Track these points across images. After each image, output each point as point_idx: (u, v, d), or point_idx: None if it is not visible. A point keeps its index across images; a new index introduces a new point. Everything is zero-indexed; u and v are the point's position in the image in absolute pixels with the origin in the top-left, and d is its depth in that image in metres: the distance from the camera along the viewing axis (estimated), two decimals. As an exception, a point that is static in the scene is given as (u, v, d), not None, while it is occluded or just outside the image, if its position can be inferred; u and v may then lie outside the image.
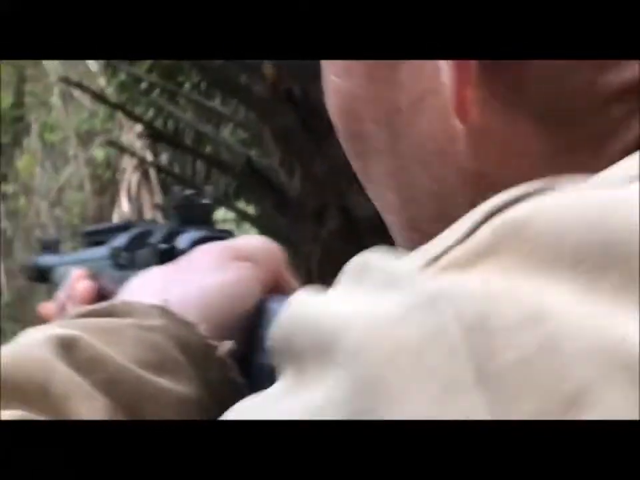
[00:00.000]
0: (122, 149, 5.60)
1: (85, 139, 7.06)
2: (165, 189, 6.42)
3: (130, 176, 6.58)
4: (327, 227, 3.35)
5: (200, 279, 0.62)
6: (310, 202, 3.38)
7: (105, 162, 7.01)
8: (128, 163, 6.64)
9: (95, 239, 0.87)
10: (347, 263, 0.36)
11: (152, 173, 6.51)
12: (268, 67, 3.25)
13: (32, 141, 7.37)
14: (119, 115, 6.17)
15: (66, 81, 5.03)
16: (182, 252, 0.68)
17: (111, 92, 5.74)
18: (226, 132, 4.69)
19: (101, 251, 0.82)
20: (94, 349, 0.54)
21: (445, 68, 0.41)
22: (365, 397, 0.30)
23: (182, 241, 0.70)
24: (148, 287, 0.63)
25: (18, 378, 0.51)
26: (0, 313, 7.25)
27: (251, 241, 0.67)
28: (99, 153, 6.98)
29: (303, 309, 0.35)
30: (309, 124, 3.30)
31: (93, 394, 0.52)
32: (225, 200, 4.32)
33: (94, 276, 0.80)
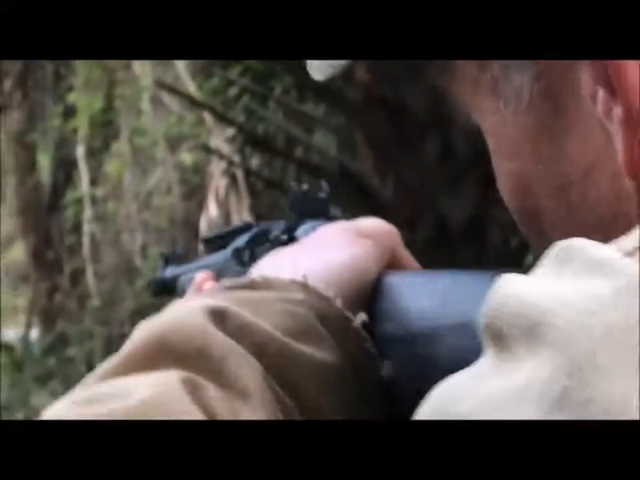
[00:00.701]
0: (213, 152, 5.62)
1: (174, 143, 7.09)
2: (253, 194, 6.42)
3: (218, 181, 6.58)
4: (419, 234, 3.34)
5: (328, 255, 0.66)
6: (403, 208, 3.37)
7: (193, 167, 7.03)
8: (216, 167, 6.65)
9: (215, 244, 0.89)
10: (550, 248, 0.39)
11: (240, 178, 6.51)
12: (361, 71, 3.23)
13: (121, 145, 7.43)
14: (208, 120, 6.18)
15: (159, 84, 5.06)
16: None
17: (201, 96, 5.76)
18: (318, 136, 4.65)
19: (224, 254, 0.84)
20: (243, 317, 0.58)
21: (614, 133, 0.42)
22: (578, 374, 0.32)
23: (300, 231, 0.74)
24: (278, 264, 0.67)
25: (179, 342, 0.55)
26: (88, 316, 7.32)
27: (370, 221, 0.70)
28: (187, 157, 7.00)
29: (511, 289, 0.37)
30: (402, 129, 3.28)
31: (248, 357, 0.55)
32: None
33: (218, 278, 0.82)
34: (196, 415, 0.50)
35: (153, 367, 0.54)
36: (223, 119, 4.52)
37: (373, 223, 0.70)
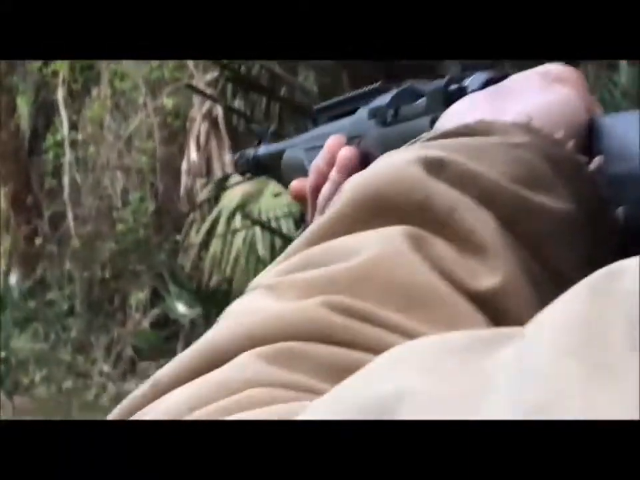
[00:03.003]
0: (197, 91, 5.59)
1: (155, 87, 7.06)
2: (234, 138, 6.41)
3: (199, 125, 6.57)
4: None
5: (539, 97, 0.59)
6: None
7: (174, 110, 7.01)
8: (197, 112, 6.63)
9: (327, 114, 0.85)
10: None
11: (221, 121, 6.49)
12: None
13: (102, 89, 7.39)
14: (190, 63, 6.16)
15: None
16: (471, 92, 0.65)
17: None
18: (301, 77, 4.64)
19: (354, 118, 0.78)
20: (463, 166, 0.51)
21: None
22: None
23: (472, 82, 0.65)
24: (475, 110, 0.60)
25: (396, 196, 0.49)
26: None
27: (560, 67, 0.63)
28: (168, 101, 6.97)
29: None
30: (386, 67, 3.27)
31: (475, 206, 0.50)
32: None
33: (349, 143, 0.77)
34: (427, 274, 0.45)
35: (370, 225, 0.48)
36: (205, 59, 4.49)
37: (564, 68, 0.63)
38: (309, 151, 0.84)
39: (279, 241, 5.89)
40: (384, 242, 0.46)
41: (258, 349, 0.40)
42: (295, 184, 0.82)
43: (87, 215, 7.42)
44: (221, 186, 6.21)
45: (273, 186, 5.41)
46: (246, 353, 0.41)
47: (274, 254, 5.89)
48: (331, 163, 0.76)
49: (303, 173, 0.83)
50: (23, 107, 8.47)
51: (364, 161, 0.73)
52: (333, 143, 0.77)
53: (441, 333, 0.36)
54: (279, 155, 0.92)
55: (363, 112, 0.77)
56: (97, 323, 6.98)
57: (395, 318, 0.42)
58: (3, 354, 6.95)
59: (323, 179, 0.77)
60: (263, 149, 0.98)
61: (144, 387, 0.44)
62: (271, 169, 0.96)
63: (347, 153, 0.75)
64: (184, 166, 6.65)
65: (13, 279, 8.53)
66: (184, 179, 6.70)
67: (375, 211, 0.49)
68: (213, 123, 6.55)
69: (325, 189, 0.76)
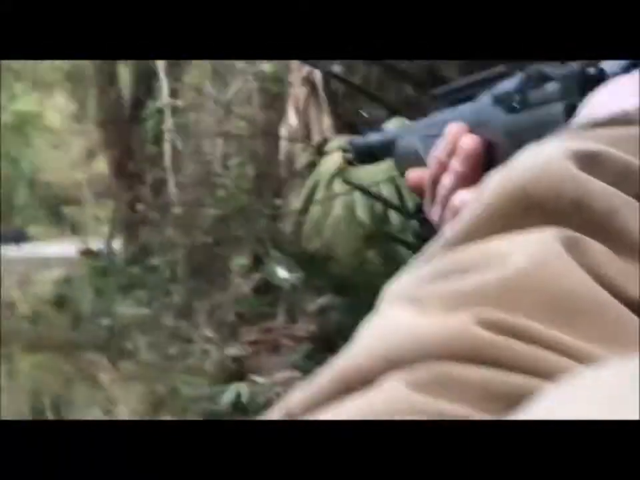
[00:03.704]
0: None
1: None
2: (333, 102, 6.38)
3: (298, 89, 6.55)
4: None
5: None
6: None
7: (273, 76, 7.00)
8: (296, 76, 6.61)
9: (445, 100, 0.80)
10: None
11: (319, 86, 6.46)
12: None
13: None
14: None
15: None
16: (611, 76, 0.59)
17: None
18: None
19: (476, 104, 0.73)
20: (622, 160, 0.45)
21: None
22: None
23: (610, 66, 0.60)
24: (628, 96, 0.54)
25: (547, 194, 0.44)
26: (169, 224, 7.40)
27: None
28: (267, 66, 6.97)
29: None
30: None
31: (636, 206, 0.44)
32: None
33: (472, 130, 0.72)
34: (587, 283, 0.40)
35: (517, 225, 0.43)
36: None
37: None
38: (425, 139, 0.80)
39: (379, 206, 5.86)
40: (537, 246, 0.41)
41: (405, 374, 0.36)
42: (412, 174, 0.78)
43: (188, 181, 7.48)
44: (320, 150, 6.19)
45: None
46: (392, 379, 0.36)
47: (374, 219, 5.86)
48: (451, 153, 0.72)
49: (418, 161, 0.79)
50: (124, 74, 8.57)
51: (488, 150, 0.69)
52: (453, 132, 0.72)
53: (622, 357, 0.31)
54: (392, 142, 0.88)
55: (485, 97, 0.72)
56: (199, 289, 7.05)
57: (556, 334, 0.37)
58: (108, 320, 7.09)
59: (442, 169, 0.73)
60: (373, 137, 0.94)
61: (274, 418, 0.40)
62: (383, 157, 0.92)
63: (469, 142, 0.71)
64: (283, 131, 6.65)
65: (116, 245, 8.68)
66: (283, 144, 6.70)
67: (523, 211, 0.44)
68: (312, 87, 6.53)
69: (446, 181, 0.72)
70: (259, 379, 5.71)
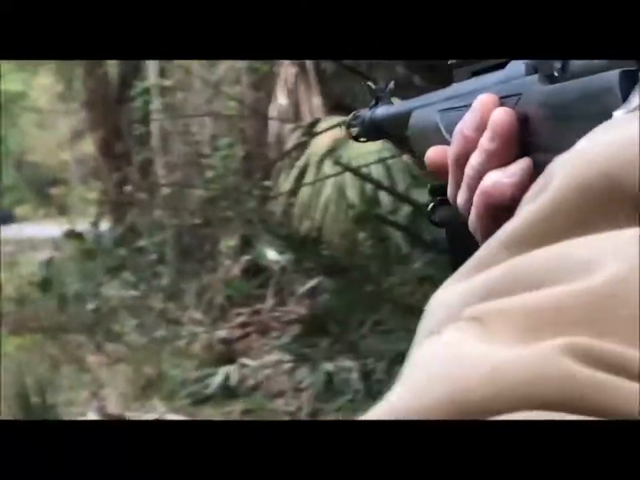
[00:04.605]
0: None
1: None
2: (323, 82, 6.33)
3: (287, 69, 6.49)
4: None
5: None
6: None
7: (262, 55, 6.94)
8: (285, 56, 6.56)
9: (468, 69, 0.72)
10: None
11: (309, 66, 6.41)
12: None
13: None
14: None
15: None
16: None
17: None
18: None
19: (506, 72, 0.66)
20: None
21: None
22: None
23: None
24: None
25: (634, 183, 0.34)
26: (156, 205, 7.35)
27: None
28: (256, 45, 6.91)
29: None
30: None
31: None
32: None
33: (503, 102, 0.64)
34: None
35: (597, 222, 0.34)
36: None
37: None
38: (446, 112, 0.73)
39: (369, 188, 5.81)
40: (631, 248, 0.32)
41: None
42: (433, 153, 0.71)
43: (176, 162, 7.42)
44: (310, 131, 6.13)
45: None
46: None
47: (364, 200, 5.81)
48: (480, 128, 0.64)
49: (437, 138, 0.72)
50: (111, 54, 8.49)
51: (523, 125, 0.62)
52: (483, 104, 0.64)
53: None
54: (405, 117, 0.80)
55: (517, 66, 0.65)
56: (188, 270, 7.00)
57: None
58: (95, 302, 7.03)
59: (470, 146, 0.65)
60: (381, 110, 0.87)
61: None
62: (393, 132, 0.85)
63: (503, 115, 0.63)
64: (272, 111, 6.59)
65: (104, 226, 8.62)
66: (272, 124, 6.64)
67: (607, 203, 0.34)
68: (301, 66, 6.47)
69: (475, 159, 0.64)
70: (248, 362, 5.68)
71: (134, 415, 4.95)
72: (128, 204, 7.92)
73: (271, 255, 6.46)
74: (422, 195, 5.24)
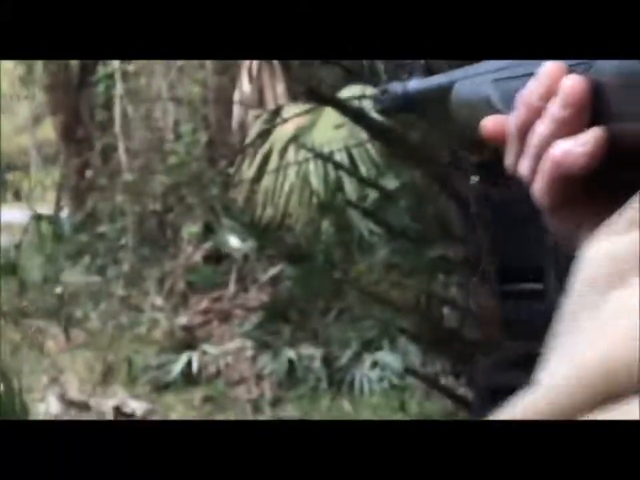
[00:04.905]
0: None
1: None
2: (287, 69, 6.30)
3: (252, 55, 6.47)
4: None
5: None
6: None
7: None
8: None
9: None
10: None
11: (274, 52, 6.38)
12: None
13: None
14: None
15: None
16: None
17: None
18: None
19: None
20: None
21: None
22: None
23: None
24: None
25: None
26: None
27: None
28: (220, 31, 6.87)
29: None
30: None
31: None
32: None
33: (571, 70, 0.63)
34: None
35: None
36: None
37: None
38: (501, 82, 0.70)
39: (333, 175, 5.81)
40: None
41: None
42: (490, 122, 0.69)
43: (138, 148, 7.36)
44: (274, 118, 6.11)
45: (329, 118, 5.30)
46: None
47: (328, 188, 5.81)
48: (547, 97, 0.63)
49: (488, 110, 0.71)
50: (72, 38, 8.41)
51: (595, 94, 0.60)
52: (552, 71, 0.63)
53: None
54: (444, 89, 0.78)
55: None
56: (149, 257, 6.96)
57: None
58: (56, 287, 6.97)
59: (536, 115, 0.64)
60: (415, 83, 0.84)
61: None
62: (430, 106, 0.82)
63: (575, 83, 0.61)
64: (236, 97, 6.56)
65: (64, 212, 8.54)
66: (236, 110, 6.61)
67: None
68: (266, 53, 6.45)
69: (542, 128, 0.63)
70: (210, 349, 5.67)
71: (94, 400, 4.92)
72: (89, 189, 7.86)
73: (234, 242, 6.43)
74: (387, 183, 5.25)
